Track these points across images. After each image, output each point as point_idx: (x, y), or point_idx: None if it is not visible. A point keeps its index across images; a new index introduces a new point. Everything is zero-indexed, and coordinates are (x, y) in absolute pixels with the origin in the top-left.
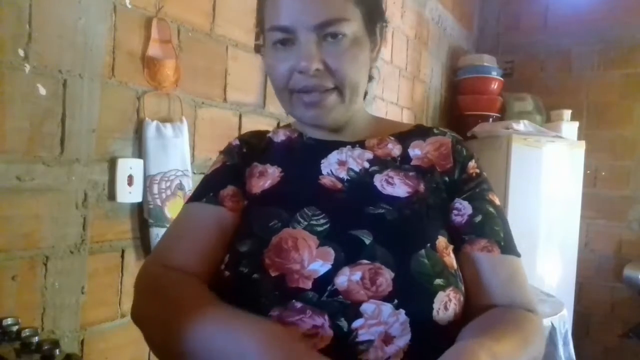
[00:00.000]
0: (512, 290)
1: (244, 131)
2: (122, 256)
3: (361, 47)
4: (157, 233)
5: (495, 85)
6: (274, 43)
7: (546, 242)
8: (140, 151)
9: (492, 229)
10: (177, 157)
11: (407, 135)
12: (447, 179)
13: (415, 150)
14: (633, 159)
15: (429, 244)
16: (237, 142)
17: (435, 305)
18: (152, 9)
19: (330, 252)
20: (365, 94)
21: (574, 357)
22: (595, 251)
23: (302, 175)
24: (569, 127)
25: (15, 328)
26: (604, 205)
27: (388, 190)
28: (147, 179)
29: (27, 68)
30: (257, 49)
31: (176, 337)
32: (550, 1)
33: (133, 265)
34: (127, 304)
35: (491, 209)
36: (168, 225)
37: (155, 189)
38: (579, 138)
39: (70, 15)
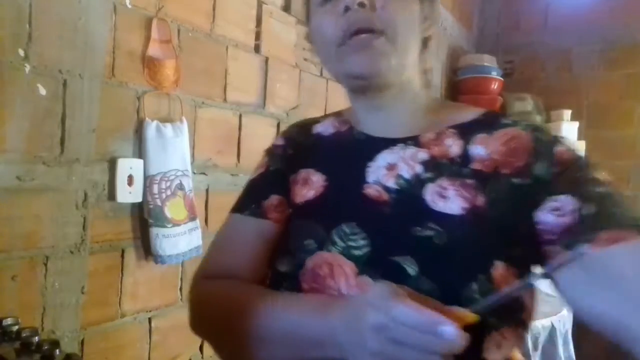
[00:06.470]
0: None
1: (244, 132)
2: (122, 256)
3: (409, 1)
4: (157, 233)
5: (495, 85)
6: (322, 1)
7: None
8: (140, 151)
9: (613, 213)
10: (177, 157)
11: (470, 127)
12: (519, 180)
13: (478, 148)
14: (633, 159)
15: (483, 275)
16: (282, 141)
17: (486, 345)
18: (152, 9)
19: (369, 283)
20: (428, 71)
21: (574, 357)
22: None
23: (346, 183)
24: (569, 127)
25: (15, 328)
26: None
27: (439, 205)
28: (147, 179)
29: (27, 68)
30: (257, 49)
31: (240, 332)
32: (550, 1)
33: (133, 265)
34: (127, 304)
35: (602, 190)
36: (167, 226)
37: (155, 189)
38: (579, 138)
39: (70, 15)
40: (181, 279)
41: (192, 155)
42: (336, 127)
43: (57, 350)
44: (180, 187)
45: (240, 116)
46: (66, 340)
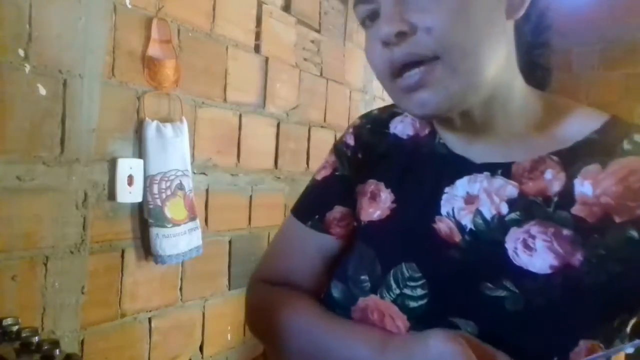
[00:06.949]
0: None
1: (244, 132)
2: (122, 256)
3: None
4: (157, 233)
5: None
6: (363, 22)
7: None
8: (140, 151)
9: None
10: (177, 157)
11: (579, 152)
12: (635, 233)
13: (585, 185)
14: None
15: (560, 357)
16: (353, 140)
17: None
18: (152, 9)
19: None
20: (543, 70)
21: None
22: None
23: (415, 210)
24: None
25: (15, 328)
26: None
27: (522, 259)
28: (147, 179)
29: (27, 68)
30: (257, 49)
31: (293, 349)
32: (550, 1)
33: (133, 265)
34: (127, 304)
35: None
36: (167, 226)
37: (155, 189)
38: None
39: (70, 15)
40: (181, 279)
41: (192, 155)
42: (416, 129)
43: (57, 350)
44: (180, 187)
45: (240, 116)
46: (66, 340)
